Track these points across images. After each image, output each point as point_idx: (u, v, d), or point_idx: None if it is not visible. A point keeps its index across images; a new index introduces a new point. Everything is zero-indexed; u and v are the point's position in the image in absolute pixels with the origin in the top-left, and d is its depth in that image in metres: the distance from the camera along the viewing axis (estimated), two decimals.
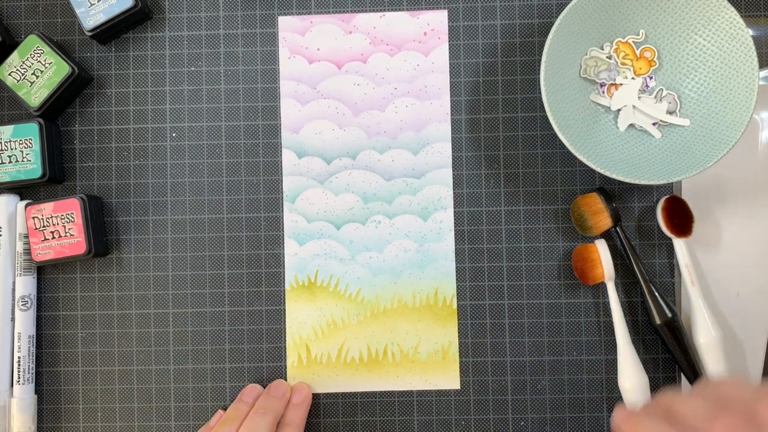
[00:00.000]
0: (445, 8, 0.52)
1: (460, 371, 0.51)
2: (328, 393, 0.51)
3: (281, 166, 0.52)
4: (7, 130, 0.50)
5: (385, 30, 0.52)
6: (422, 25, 0.52)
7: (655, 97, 0.49)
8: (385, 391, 0.51)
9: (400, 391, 0.51)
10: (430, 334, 0.51)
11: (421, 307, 0.51)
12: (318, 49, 0.52)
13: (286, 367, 0.51)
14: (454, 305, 0.51)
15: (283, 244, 0.51)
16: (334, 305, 0.51)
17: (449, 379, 0.51)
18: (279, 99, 0.52)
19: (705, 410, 0.32)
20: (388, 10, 0.52)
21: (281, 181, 0.52)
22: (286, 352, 0.51)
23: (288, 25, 0.52)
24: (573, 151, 0.46)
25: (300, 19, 0.52)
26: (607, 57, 0.50)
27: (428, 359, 0.51)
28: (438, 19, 0.52)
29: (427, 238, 0.51)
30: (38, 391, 0.51)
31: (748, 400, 0.32)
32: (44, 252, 0.49)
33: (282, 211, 0.52)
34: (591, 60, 0.49)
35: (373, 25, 0.52)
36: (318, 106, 0.52)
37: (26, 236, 0.50)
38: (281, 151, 0.52)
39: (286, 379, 0.51)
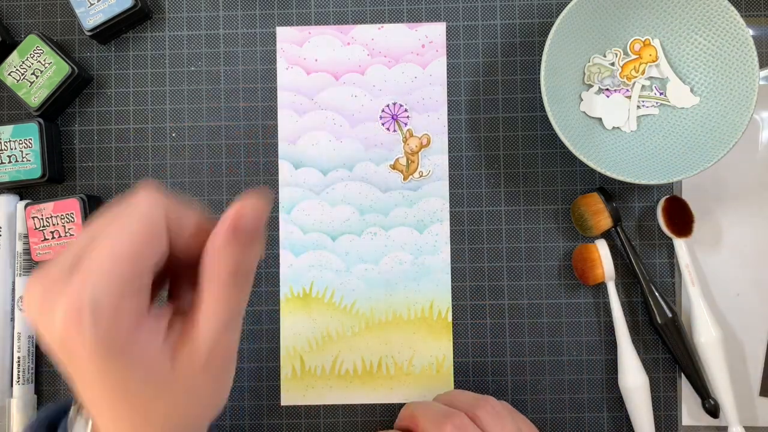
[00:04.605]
0: (444, 18, 0.52)
1: (459, 372, 0.51)
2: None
3: (279, 166, 0.52)
4: (7, 130, 0.49)
5: (383, 42, 0.52)
6: (420, 38, 0.52)
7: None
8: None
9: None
10: (425, 348, 0.51)
11: (416, 319, 0.51)
12: (316, 60, 0.52)
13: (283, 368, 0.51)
14: (449, 318, 0.51)
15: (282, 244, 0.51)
16: (329, 317, 0.51)
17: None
18: (278, 99, 0.52)
19: (438, 413, 0.38)
20: (389, 22, 0.52)
21: (280, 180, 0.52)
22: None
23: (286, 35, 0.52)
24: (573, 151, 0.46)
25: (298, 29, 0.52)
26: (610, 64, 0.50)
27: (422, 372, 0.51)
28: (436, 32, 0.52)
29: (422, 251, 0.51)
30: (38, 391, 0.51)
31: (471, 405, 0.39)
32: (44, 252, 0.49)
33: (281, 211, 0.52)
34: (594, 67, 0.49)
35: (371, 37, 0.52)
36: (315, 117, 0.52)
37: (26, 236, 0.50)
38: (279, 149, 0.52)
39: (280, 391, 0.51)
